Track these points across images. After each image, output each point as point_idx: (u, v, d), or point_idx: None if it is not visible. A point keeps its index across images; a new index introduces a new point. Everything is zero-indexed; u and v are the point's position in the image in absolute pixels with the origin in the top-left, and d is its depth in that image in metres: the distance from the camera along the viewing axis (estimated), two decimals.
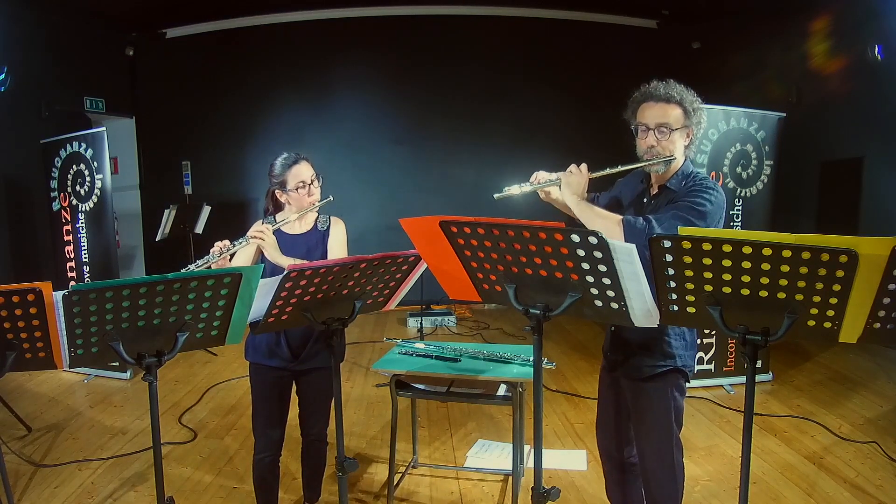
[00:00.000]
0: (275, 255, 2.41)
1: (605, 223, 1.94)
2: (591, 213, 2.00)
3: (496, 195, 2.13)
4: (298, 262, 2.37)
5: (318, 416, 2.63)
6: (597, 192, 2.32)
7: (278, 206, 2.57)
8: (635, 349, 2.11)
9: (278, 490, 2.69)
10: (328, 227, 2.59)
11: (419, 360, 2.96)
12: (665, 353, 2.07)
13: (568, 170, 2.07)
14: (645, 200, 2.17)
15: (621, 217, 1.97)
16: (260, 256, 2.51)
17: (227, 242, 2.35)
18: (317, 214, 2.60)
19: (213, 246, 2.33)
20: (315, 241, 2.56)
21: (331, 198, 2.53)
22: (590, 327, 6.21)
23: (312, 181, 2.49)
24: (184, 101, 7.55)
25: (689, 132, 2.09)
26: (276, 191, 2.52)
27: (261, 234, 2.39)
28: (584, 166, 2.07)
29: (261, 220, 2.55)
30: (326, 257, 2.54)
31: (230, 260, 2.39)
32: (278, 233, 2.51)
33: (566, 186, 2.06)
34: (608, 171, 2.11)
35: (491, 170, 7.60)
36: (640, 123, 2.09)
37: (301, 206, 2.49)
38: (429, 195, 7.43)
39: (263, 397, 2.55)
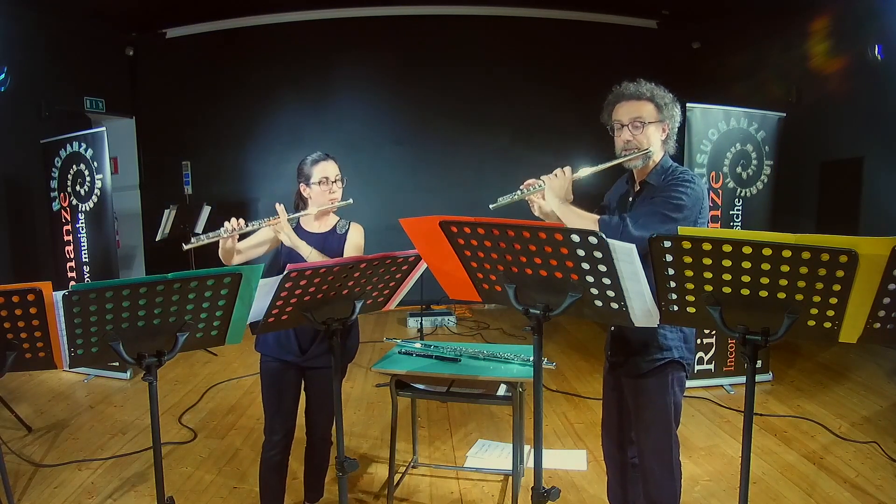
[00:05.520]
0: (293, 238, 2.43)
1: (583, 223, 2.03)
2: (572, 215, 2.06)
3: (492, 206, 2.19)
4: (315, 252, 2.41)
5: (323, 414, 2.63)
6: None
7: (304, 204, 2.60)
8: (634, 348, 2.12)
9: (284, 491, 2.69)
10: (346, 232, 2.61)
11: (419, 360, 2.96)
12: (661, 346, 2.09)
13: (553, 173, 2.12)
14: (630, 199, 2.20)
15: (598, 217, 2.04)
16: (276, 245, 2.54)
17: (241, 222, 2.36)
18: (337, 218, 2.64)
19: (226, 222, 2.34)
20: (332, 242, 2.57)
21: (350, 200, 2.56)
22: (590, 327, 6.21)
23: (336, 180, 2.54)
24: (184, 101, 7.55)
25: (664, 127, 2.13)
26: (302, 185, 2.57)
27: (275, 220, 2.42)
28: (567, 169, 2.12)
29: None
30: None
31: (239, 240, 2.43)
32: (297, 229, 2.56)
33: (549, 190, 2.11)
34: (590, 170, 2.16)
35: (491, 170, 7.61)
36: (615, 122, 2.15)
37: (320, 203, 2.53)
38: (429, 195, 7.43)
39: (271, 390, 2.56)
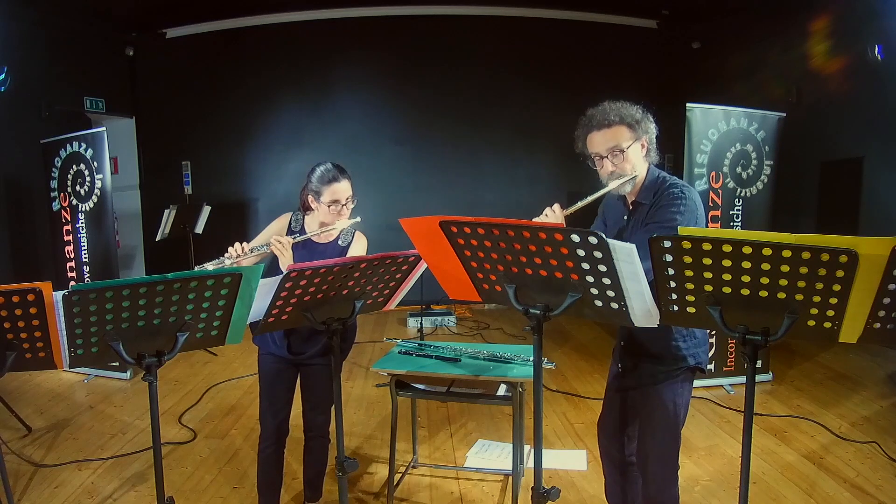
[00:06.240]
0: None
1: None
2: None
3: None
4: None
5: (319, 410, 2.66)
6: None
7: (310, 208, 2.59)
8: (647, 358, 2.12)
9: (281, 486, 2.72)
10: (349, 244, 2.60)
11: (419, 360, 2.96)
12: (676, 357, 2.09)
13: (543, 214, 2.07)
14: (626, 218, 2.19)
15: None
16: (268, 259, 2.54)
17: (245, 246, 2.35)
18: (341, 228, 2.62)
19: (230, 248, 2.34)
20: (333, 254, 2.56)
21: (358, 219, 2.54)
22: (590, 327, 6.21)
23: (347, 201, 2.49)
24: (184, 101, 7.55)
25: (642, 143, 2.10)
26: (310, 196, 2.52)
27: (281, 247, 2.39)
28: (556, 206, 2.06)
29: (288, 215, 2.59)
30: None
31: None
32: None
33: None
34: (579, 204, 2.12)
35: (491, 170, 7.61)
36: (593, 154, 2.12)
37: (327, 221, 2.50)
38: (429, 195, 7.43)
39: (267, 384, 2.60)
